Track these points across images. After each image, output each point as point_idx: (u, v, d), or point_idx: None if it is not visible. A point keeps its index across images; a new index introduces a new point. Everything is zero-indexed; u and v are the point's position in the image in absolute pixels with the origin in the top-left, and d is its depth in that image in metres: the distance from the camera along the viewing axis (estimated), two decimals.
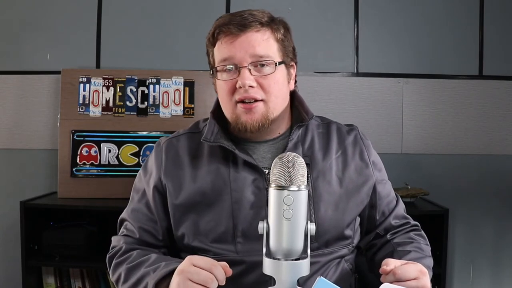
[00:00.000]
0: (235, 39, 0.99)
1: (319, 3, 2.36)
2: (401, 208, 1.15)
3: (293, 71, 1.09)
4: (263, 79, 1.00)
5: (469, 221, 2.32)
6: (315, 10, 2.35)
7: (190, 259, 0.84)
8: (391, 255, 1.00)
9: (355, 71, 2.37)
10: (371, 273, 1.14)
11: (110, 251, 1.09)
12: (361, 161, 1.08)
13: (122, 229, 1.11)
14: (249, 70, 0.99)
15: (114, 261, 1.04)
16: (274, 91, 1.01)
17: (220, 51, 1.02)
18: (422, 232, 1.13)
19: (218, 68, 1.03)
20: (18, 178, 2.33)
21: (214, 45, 1.04)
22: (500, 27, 2.36)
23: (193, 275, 0.80)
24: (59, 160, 2.19)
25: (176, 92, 2.26)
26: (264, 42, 1.00)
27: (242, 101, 1.00)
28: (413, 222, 1.14)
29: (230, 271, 0.81)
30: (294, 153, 0.81)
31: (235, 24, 0.99)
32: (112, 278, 1.04)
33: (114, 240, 1.10)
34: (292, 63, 1.09)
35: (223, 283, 0.80)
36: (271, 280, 0.77)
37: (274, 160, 0.80)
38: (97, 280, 2.16)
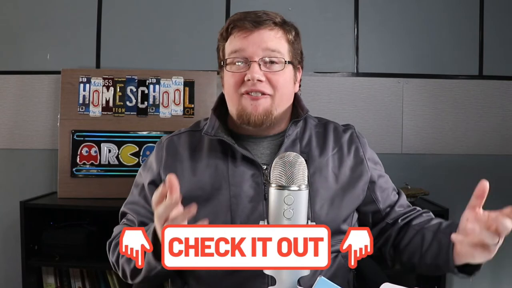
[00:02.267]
0: (248, 34, 1.02)
1: (319, 3, 2.36)
2: (404, 198, 1.16)
3: (298, 74, 1.12)
4: (272, 75, 1.02)
5: None
6: (315, 10, 2.35)
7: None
8: (430, 234, 1.00)
9: (355, 71, 2.37)
10: (394, 267, 1.13)
11: (111, 237, 1.11)
12: (356, 157, 1.10)
13: (123, 220, 1.13)
14: (259, 65, 1.01)
15: (113, 242, 1.06)
16: (282, 88, 1.03)
17: (233, 44, 1.04)
18: (425, 210, 1.13)
19: (228, 60, 1.04)
20: (18, 178, 2.33)
21: (226, 40, 1.06)
22: (500, 27, 2.36)
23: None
24: (59, 160, 2.19)
25: (176, 92, 2.26)
26: (276, 39, 1.03)
27: (248, 93, 1.02)
28: (418, 208, 1.14)
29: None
30: (295, 153, 0.82)
31: (249, 20, 1.02)
32: (112, 258, 1.05)
33: (116, 228, 1.12)
34: (299, 66, 1.12)
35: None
36: (270, 279, 0.77)
37: (275, 160, 0.81)
38: (97, 280, 2.16)
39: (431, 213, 1.12)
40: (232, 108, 1.06)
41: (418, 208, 1.14)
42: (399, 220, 1.10)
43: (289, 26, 1.07)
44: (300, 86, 1.14)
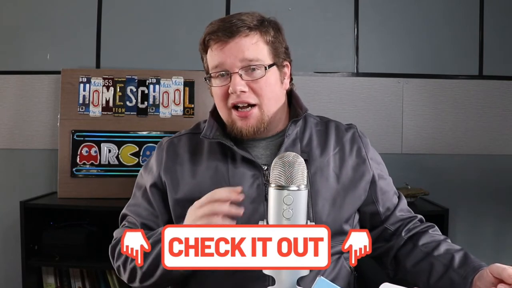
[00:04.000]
0: (224, 45, 1.01)
1: (319, 3, 2.36)
2: (405, 203, 1.15)
3: (287, 70, 1.10)
4: (254, 83, 1.01)
5: (469, 221, 2.32)
6: (315, 10, 2.35)
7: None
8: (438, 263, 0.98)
9: (355, 71, 2.37)
10: (396, 277, 1.12)
11: (112, 242, 1.09)
12: (358, 157, 1.09)
13: (124, 222, 1.12)
14: (240, 75, 1.01)
15: (116, 249, 1.05)
16: (267, 94, 1.03)
17: (212, 58, 1.04)
18: (429, 224, 1.11)
19: (211, 75, 1.05)
20: (18, 178, 2.33)
21: (206, 52, 1.06)
22: (500, 27, 2.36)
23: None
24: (59, 160, 2.19)
25: (176, 92, 2.26)
26: (253, 46, 1.01)
27: (236, 107, 1.02)
28: (419, 216, 1.13)
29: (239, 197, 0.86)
30: (294, 153, 0.81)
31: (223, 31, 1.00)
32: (115, 264, 1.04)
33: (116, 232, 1.11)
34: (285, 62, 1.09)
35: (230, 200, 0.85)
36: (269, 279, 0.77)
37: (274, 160, 0.80)
38: (97, 280, 2.16)
39: (436, 228, 1.10)
40: (224, 120, 1.07)
41: (420, 216, 1.12)
42: (403, 233, 1.07)
43: (266, 27, 1.04)
44: (291, 80, 1.12)
